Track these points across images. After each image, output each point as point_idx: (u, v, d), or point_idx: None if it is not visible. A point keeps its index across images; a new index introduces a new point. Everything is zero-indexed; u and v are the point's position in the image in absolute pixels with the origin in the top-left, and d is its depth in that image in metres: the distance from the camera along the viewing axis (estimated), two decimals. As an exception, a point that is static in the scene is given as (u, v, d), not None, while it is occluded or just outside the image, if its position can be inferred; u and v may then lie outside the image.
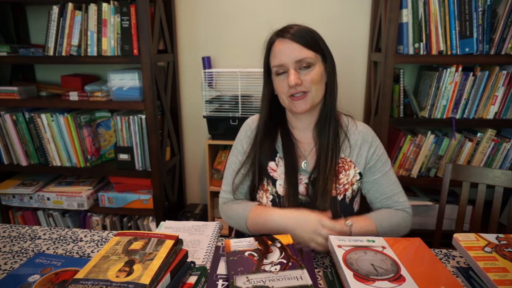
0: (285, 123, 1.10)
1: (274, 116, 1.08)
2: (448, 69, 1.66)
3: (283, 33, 0.98)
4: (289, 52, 0.96)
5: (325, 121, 1.04)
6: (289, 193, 1.01)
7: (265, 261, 0.77)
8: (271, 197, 1.05)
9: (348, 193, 1.04)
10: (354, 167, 1.05)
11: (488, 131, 1.72)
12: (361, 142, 1.05)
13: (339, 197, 1.02)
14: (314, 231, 0.88)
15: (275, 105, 1.07)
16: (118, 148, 1.94)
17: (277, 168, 1.06)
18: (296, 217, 0.93)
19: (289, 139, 1.07)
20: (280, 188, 1.04)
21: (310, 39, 0.97)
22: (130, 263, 0.69)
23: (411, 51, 1.64)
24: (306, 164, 1.05)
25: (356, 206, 1.09)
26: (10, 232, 1.05)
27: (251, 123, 1.12)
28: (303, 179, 1.04)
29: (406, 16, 1.61)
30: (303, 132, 1.08)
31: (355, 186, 1.05)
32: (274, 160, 1.06)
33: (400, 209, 1.05)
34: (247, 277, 0.71)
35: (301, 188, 1.03)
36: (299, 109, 0.98)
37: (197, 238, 0.92)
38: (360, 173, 1.05)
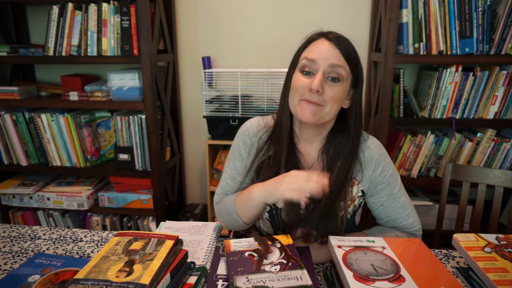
0: (291, 133, 1.01)
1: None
2: (448, 69, 1.66)
3: (329, 34, 0.91)
4: (327, 52, 0.88)
5: (346, 155, 0.95)
6: (290, 209, 0.96)
7: (265, 261, 0.77)
8: (268, 208, 1.00)
9: (350, 209, 0.99)
10: (358, 183, 0.99)
11: (488, 131, 1.72)
12: (367, 160, 0.98)
13: (340, 214, 0.97)
14: (305, 178, 0.83)
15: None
16: (118, 148, 1.94)
17: None
18: (274, 178, 0.89)
19: (294, 152, 0.99)
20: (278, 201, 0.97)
21: (352, 53, 0.91)
22: (130, 263, 0.69)
23: (411, 51, 1.64)
24: None
25: (358, 220, 1.05)
26: (10, 232, 1.05)
27: (250, 128, 1.04)
28: None
29: (406, 16, 1.61)
30: (308, 144, 1.00)
31: (356, 202, 1.00)
32: None
33: (407, 231, 1.01)
34: (247, 277, 0.71)
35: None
36: (305, 116, 0.89)
37: (197, 239, 0.92)
38: (362, 191, 1.00)
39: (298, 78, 0.91)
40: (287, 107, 0.97)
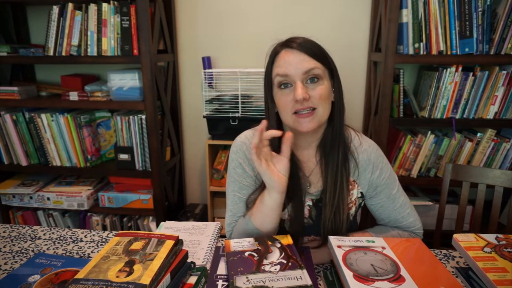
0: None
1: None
2: (448, 69, 1.66)
3: (289, 43, 0.90)
4: (296, 62, 0.87)
5: (332, 144, 0.95)
6: (293, 218, 0.96)
7: (265, 261, 0.77)
8: None
9: (352, 211, 1.00)
10: (357, 186, 1.00)
11: (488, 131, 1.72)
12: (365, 163, 0.98)
13: (344, 216, 0.97)
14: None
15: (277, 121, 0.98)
16: (118, 148, 1.94)
17: None
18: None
19: (293, 160, 0.96)
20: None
21: (318, 51, 0.90)
22: (130, 263, 0.69)
23: (411, 51, 1.64)
24: (309, 185, 0.99)
25: (359, 219, 1.06)
26: (10, 232, 1.05)
27: (248, 143, 1.01)
28: (306, 201, 0.98)
29: (406, 16, 1.61)
30: (306, 150, 1.00)
31: (357, 203, 1.01)
32: None
33: (408, 231, 1.01)
34: (247, 277, 0.71)
35: (304, 211, 0.99)
36: (305, 128, 0.89)
37: (197, 239, 0.92)
38: (361, 193, 1.00)
39: (281, 95, 0.91)
40: (273, 126, 0.96)
